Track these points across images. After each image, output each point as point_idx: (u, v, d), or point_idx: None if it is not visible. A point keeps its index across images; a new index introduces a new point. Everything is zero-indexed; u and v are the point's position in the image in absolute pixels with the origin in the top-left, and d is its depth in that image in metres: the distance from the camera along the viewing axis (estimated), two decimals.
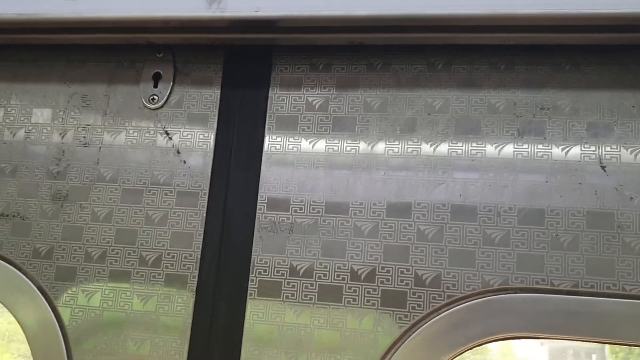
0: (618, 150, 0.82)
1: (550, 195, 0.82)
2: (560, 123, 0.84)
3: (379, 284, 0.84)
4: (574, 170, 0.82)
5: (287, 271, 0.86)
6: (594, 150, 0.83)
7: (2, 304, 0.95)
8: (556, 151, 0.83)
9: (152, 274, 0.90)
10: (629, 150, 0.82)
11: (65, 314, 0.92)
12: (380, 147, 0.88)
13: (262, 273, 0.87)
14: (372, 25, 0.84)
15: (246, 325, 0.85)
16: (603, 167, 0.82)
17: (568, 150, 0.83)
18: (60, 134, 0.98)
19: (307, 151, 0.90)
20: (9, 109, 1.01)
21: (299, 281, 0.86)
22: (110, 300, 0.91)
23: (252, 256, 0.88)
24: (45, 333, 0.92)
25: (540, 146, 0.84)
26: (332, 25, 0.85)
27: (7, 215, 0.97)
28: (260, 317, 0.85)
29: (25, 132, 0.99)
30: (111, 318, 0.91)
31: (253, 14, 0.84)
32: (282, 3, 0.84)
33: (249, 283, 0.87)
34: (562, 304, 0.80)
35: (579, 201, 0.82)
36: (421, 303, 0.82)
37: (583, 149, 0.83)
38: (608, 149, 0.82)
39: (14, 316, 0.94)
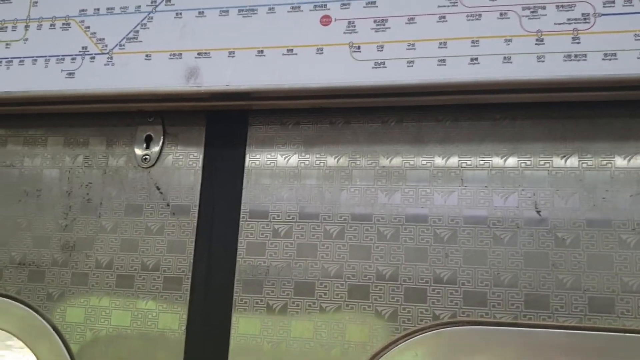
0: (551, 196, 0.92)
1: (492, 237, 0.93)
2: (499, 173, 0.95)
3: (344, 319, 0.95)
4: (513, 215, 0.93)
5: (264, 309, 0.99)
6: (530, 197, 0.93)
7: (23, 342, 1.09)
8: (496, 198, 0.94)
9: (148, 314, 1.03)
10: (561, 196, 0.92)
11: (75, 349, 1.05)
12: (344, 196, 1.00)
13: (243, 312, 0.99)
14: (329, 94, 0.96)
15: None
16: (538, 212, 0.92)
17: (507, 197, 0.94)
18: (67, 192, 1.12)
19: (279, 202, 1.02)
20: (22, 171, 1.15)
21: (274, 318, 0.98)
22: (114, 337, 1.04)
23: (234, 296, 1.00)
24: None
25: (482, 194, 0.94)
26: (295, 94, 0.97)
27: (24, 264, 1.10)
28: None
29: (37, 190, 1.13)
30: (115, 352, 1.04)
31: (224, 87, 0.96)
32: (249, 77, 0.96)
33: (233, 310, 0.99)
34: (503, 335, 0.90)
35: (517, 243, 0.92)
36: (381, 336, 0.94)
37: (520, 195, 0.93)
38: (542, 195, 0.93)
39: (33, 353, 1.08)
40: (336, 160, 1.01)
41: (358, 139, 1.01)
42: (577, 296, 0.88)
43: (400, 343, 0.93)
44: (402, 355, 0.92)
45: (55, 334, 1.07)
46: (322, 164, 1.02)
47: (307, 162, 1.03)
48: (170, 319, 1.02)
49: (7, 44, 1.08)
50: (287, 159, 1.04)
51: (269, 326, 0.98)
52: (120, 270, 1.06)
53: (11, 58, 1.07)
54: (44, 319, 1.08)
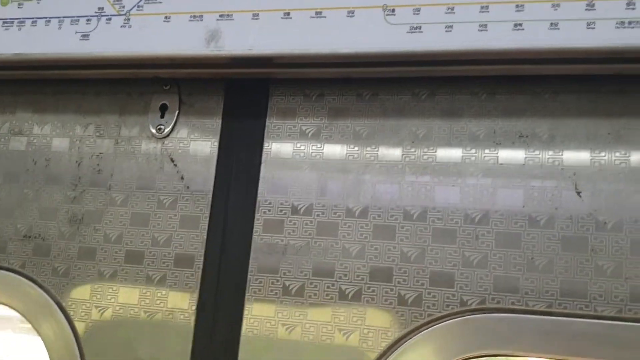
0: (593, 176, 0.86)
1: (527, 219, 0.86)
2: (538, 150, 0.88)
3: (365, 303, 0.89)
4: (551, 196, 0.86)
5: (280, 290, 0.93)
6: (570, 177, 0.86)
7: (25, 318, 1.03)
8: (534, 178, 0.87)
9: (157, 292, 0.97)
10: (604, 176, 0.85)
11: (80, 328, 1.00)
12: (369, 172, 0.94)
13: (257, 292, 0.93)
14: (358, 62, 0.90)
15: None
16: (579, 193, 0.86)
17: (545, 177, 0.87)
18: (76, 162, 1.06)
19: (300, 177, 0.96)
20: (31, 139, 1.10)
21: (290, 299, 0.92)
22: (121, 315, 0.99)
23: (248, 275, 0.94)
24: (63, 345, 1.00)
25: (518, 172, 0.88)
26: (321, 61, 0.91)
27: (30, 237, 1.05)
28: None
29: (45, 159, 1.08)
30: (121, 331, 0.98)
31: (247, 52, 0.91)
32: (274, 41, 0.90)
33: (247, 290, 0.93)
34: (536, 324, 0.83)
35: (554, 226, 0.85)
36: (403, 321, 0.87)
37: (560, 175, 0.87)
38: (583, 174, 0.86)
39: (35, 329, 1.02)
40: (362, 134, 0.95)
41: (386, 112, 0.95)
42: (618, 284, 0.82)
43: (423, 330, 0.87)
44: (426, 342, 0.86)
45: (59, 311, 1.01)
46: (346, 138, 0.96)
47: (330, 136, 0.97)
48: (180, 298, 0.97)
49: (19, 4, 1.03)
50: (309, 132, 0.98)
51: (284, 308, 0.92)
52: (129, 246, 1.01)
53: (23, 19, 1.02)
54: (48, 294, 1.03)
